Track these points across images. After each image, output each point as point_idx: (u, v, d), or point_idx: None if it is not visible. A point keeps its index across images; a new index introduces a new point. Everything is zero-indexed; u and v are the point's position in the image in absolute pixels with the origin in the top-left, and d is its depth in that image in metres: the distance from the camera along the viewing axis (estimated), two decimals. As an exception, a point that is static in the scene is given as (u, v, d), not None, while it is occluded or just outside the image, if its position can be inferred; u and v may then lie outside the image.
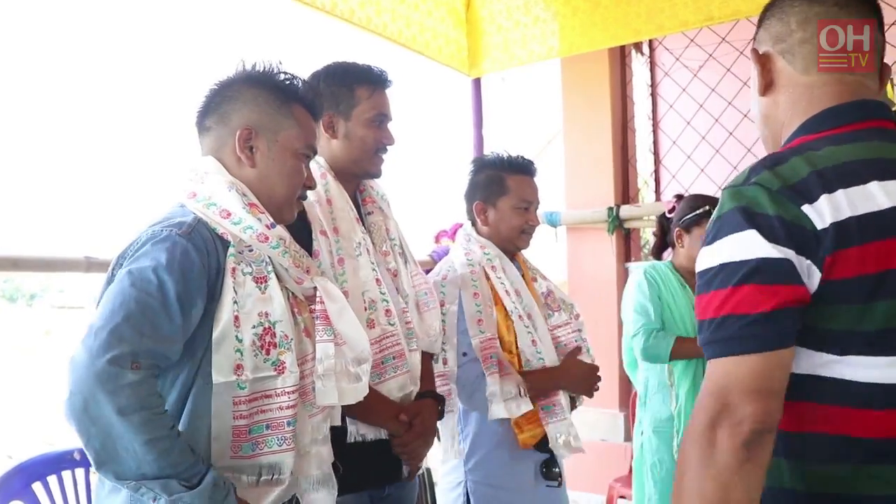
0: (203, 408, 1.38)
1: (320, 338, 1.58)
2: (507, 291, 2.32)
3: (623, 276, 4.59)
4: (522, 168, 2.42)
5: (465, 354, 2.24)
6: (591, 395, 2.41)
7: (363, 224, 2.00)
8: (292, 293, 1.58)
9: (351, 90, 1.96)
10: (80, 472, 2.06)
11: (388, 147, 2.00)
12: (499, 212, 2.38)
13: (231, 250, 1.43)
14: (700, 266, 1.14)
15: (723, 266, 1.09)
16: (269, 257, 1.49)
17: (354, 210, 1.97)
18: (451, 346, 2.23)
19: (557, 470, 2.31)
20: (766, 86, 1.29)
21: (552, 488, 2.33)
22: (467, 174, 2.49)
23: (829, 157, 1.10)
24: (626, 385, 3.87)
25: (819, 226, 1.05)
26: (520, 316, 2.31)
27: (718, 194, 3.85)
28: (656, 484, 2.74)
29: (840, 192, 1.06)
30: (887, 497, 1.06)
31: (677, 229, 2.87)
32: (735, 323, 1.06)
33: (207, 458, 1.39)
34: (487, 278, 2.34)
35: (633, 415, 3.62)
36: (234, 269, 1.42)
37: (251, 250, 1.47)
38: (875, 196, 1.06)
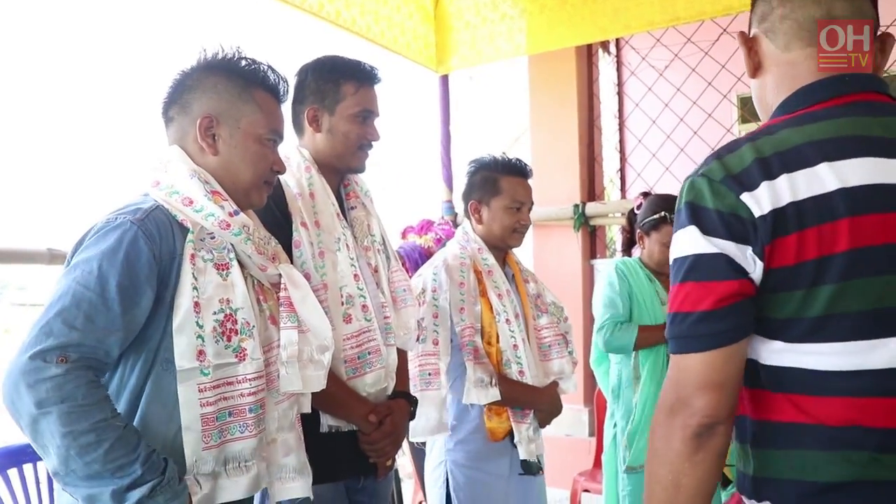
0: (162, 394, 1.37)
1: (284, 325, 1.58)
2: (498, 294, 2.41)
3: (588, 273, 4.64)
4: (516, 170, 2.49)
5: (451, 340, 2.34)
6: (543, 426, 2.49)
7: (345, 219, 2.00)
8: (258, 281, 1.58)
9: (337, 85, 1.95)
10: (42, 464, 2.03)
11: (372, 143, 2.00)
12: (492, 211, 2.46)
13: (190, 237, 1.42)
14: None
15: (674, 261, 1.13)
16: (232, 245, 1.49)
17: (336, 205, 1.97)
18: (445, 328, 2.32)
19: (534, 461, 2.38)
20: (755, 68, 1.28)
21: (528, 477, 2.40)
22: (465, 174, 2.58)
23: (781, 141, 1.10)
24: (590, 381, 3.90)
25: (757, 213, 1.06)
26: (507, 320, 2.38)
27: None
28: (629, 476, 2.77)
29: (783, 178, 1.06)
30: (837, 484, 1.07)
31: (639, 231, 2.93)
32: (682, 321, 1.10)
33: (177, 449, 1.37)
34: (478, 274, 2.42)
35: (598, 410, 3.66)
36: (192, 256, 1.41)
37: (213, 238, 1.47)
38: (823, 178, 1.05)
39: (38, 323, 1.27)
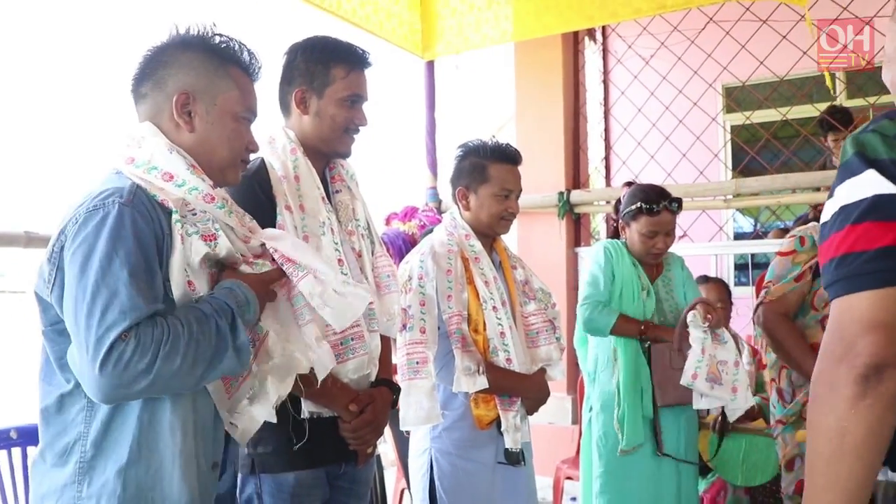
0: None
1: (297, 277, 1.56)
2: (485, 282, 2.39)
3: (573, 261, 4.64)
4: (505, 156, 2.44)
5: (438, 328, 2.31)
6: (531, 413, 2.49)
7: (330, 202, 1.98)
8: (241, 254, 1.54)
9: (327, 68, 1.92)
10: (16, 451, 2.01)
11: (359, 127, 1.98)
12: (479, 198, 2.42)
13: (175, 216, 1.39)
14: (822, 218, 1.14)
15: (842, 209, 1.09)
16: (215, 218, 1.46)
17: (322, 188, 1.94)
18: (432, 316, 2.29)
19: (515, 451, 2.35)
20: None
21: (514, 467, 2.38)
22: (453, 159, 2.54)
23: None
24: (573, 368, 3.90)
25: None
26: (493, 307, 2.37)
27: (668, 180, 3.92)
28: (601, 458, 2.77)
29: None
30: None
31: (621, 221, 2.92)
32: (854, 260, 1.06)
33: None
34: (465, 261, 2.40)
35: (581, 397, 3.66)
36: (182, 237, 1.38)
37: (195, 214, 1.43)
38: None
39: (90, 334, 1.23)
